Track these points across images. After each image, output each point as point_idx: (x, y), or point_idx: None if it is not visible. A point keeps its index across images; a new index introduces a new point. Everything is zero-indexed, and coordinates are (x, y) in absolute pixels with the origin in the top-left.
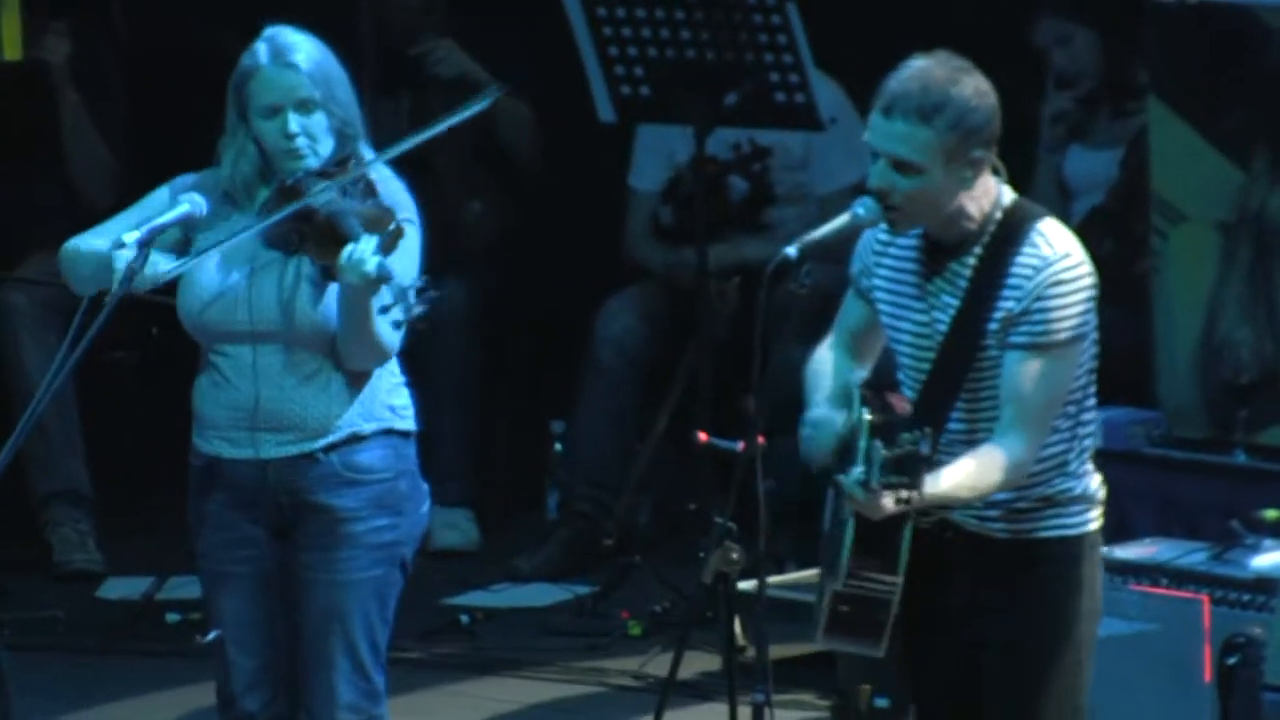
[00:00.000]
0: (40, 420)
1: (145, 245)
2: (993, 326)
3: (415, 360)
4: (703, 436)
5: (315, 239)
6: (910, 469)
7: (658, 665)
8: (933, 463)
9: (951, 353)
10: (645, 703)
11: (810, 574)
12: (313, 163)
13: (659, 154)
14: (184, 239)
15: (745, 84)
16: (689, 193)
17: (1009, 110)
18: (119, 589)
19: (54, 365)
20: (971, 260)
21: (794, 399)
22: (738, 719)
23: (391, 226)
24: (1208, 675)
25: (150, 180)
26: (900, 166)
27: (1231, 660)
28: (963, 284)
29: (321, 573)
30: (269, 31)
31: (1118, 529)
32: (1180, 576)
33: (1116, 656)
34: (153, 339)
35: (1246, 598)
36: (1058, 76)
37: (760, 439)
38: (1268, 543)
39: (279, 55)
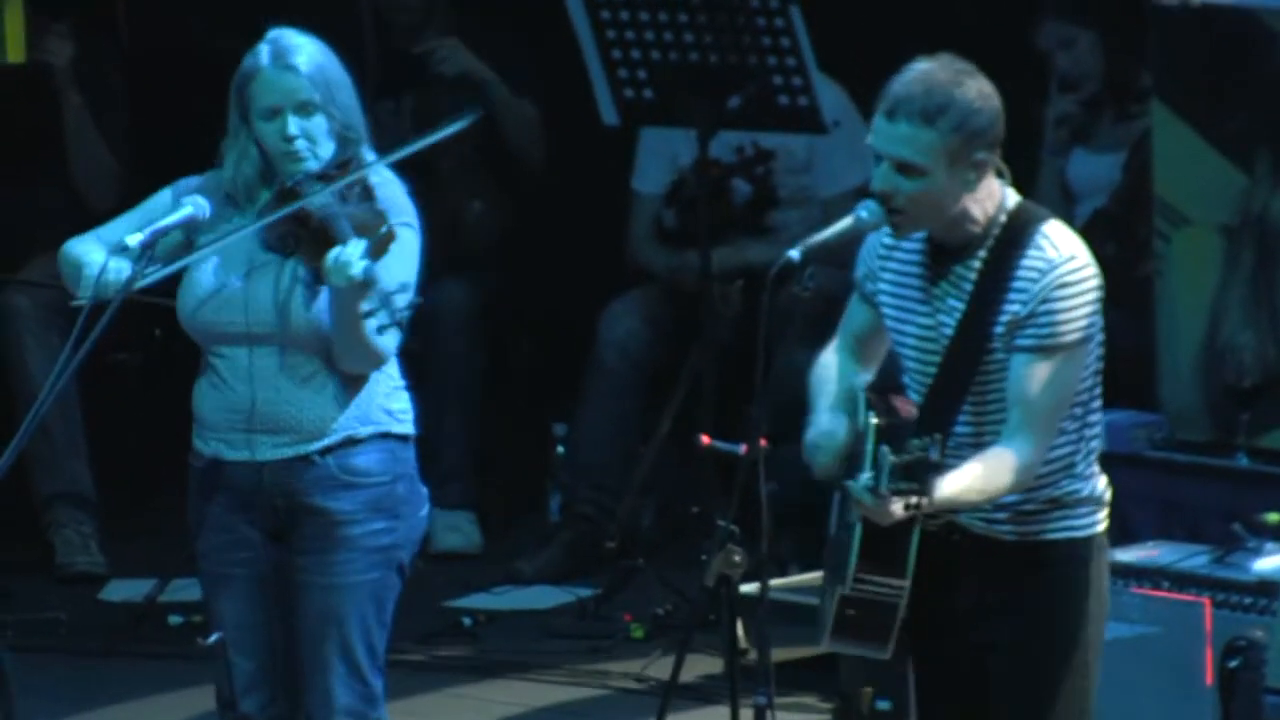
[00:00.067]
0: (43, 422)
1: (148, 247)
2: (999, 329)
3: (417, 362)
4: (705, 439)
5: (309, 242)
6: (919, 475)
7: (660, 668)
8: (942, 468)
9: (958, 356)
10: (647, 705)
11: (812, 577)
12: (313, 165)
13: (662, 157)
14: (186, 241)
15: (748, 87)
16: (692, 196)
17: (1012, 113)
18: (121, 591)
19: (57, 367)
20: (976, 263)
21: (797, 402)
22: None
23: (383, 230)
24: (1209, 678)
25: (152, 182)
26: (903, 169)
27: (1233, 663)
28: (968, 287)
29: (317, 576)
30: (272, 33)
31: (1120, 532)
32: (1182, 580)
33: (1118, 660)
34: (155, 341)
35: (1248, 601)
36: (1061, 79)
37: (763, 442)
38: (1269, 546)
39: (280, 57)
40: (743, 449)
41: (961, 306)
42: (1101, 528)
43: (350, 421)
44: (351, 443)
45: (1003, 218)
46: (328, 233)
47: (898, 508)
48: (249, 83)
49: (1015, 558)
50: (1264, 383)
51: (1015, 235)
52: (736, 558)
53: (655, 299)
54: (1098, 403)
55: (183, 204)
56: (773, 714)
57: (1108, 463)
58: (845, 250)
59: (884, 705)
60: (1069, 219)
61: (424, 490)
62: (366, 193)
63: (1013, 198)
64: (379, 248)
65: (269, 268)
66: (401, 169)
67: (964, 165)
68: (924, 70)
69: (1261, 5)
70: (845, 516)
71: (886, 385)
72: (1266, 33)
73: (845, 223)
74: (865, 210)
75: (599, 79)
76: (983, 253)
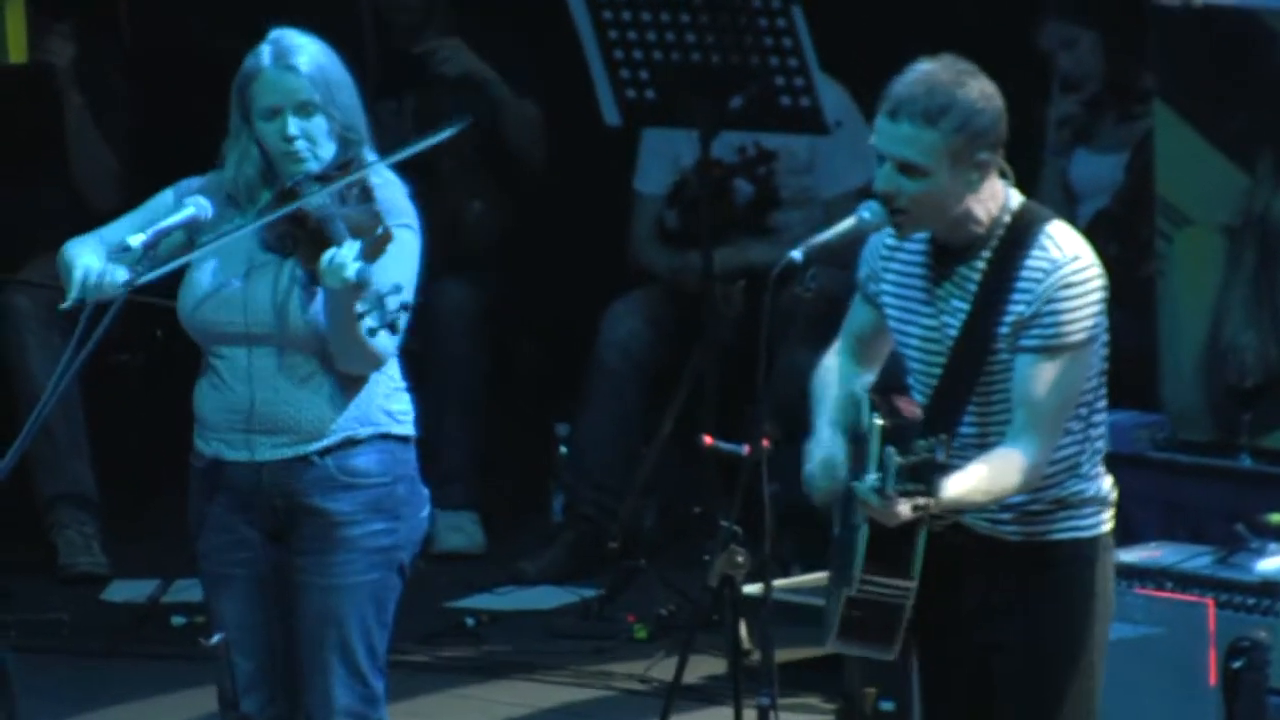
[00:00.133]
0: (46, 423)
1: (150, 248)
2: (1004, 330)
3: (419, 363)
4: (708, 440)
5: (305, 242)
6: (926, 476)
7: (663, 668)
8: (948, 469)
9: (962, 357)
10: (651, 706)
11: (815, 577)
12: (313, 166)
13: (664, 157)
14: (188, 242)
15: (750, 87)
16: (694, 196)
17: (1014, 114)
18: (124, 592)
19: (59, 368)
20: (980, 264)
21: (799, 403)
22: None
23: (379, 232)
24: (1213, 679)
25: (154, 183)
26: (906, 169)
27: (1236, 664)
28: (972, 288)
29: (317, 576)
30: (275, 34)
31: (1122, 532)
32: (1185, 580)
33: (1122, 661)
34: (157, 342)
35: (1251, 601)
36: (1063, 80)
37: (765, 442)
38: (1273, 546)
39: (281, 58)
40: (745, 449)
41: (966, 307)
42: (1107, 528)
43: (349, 422)
44: (351, 444)
45: (1006, 218)
46: (324, 234)
47: (904, 509)
48: (250, 83)
49: (1020, 558)
50: (1266, 383)
51: (1019, 235)
52: (739, 558)
53: (657, 299)
54: (1103, 403)
55: (185, 204)
56: (776, 715)
57: (1110, 463)
58: (847, 251)
59: (887, 706)
60: (1071, 219)
61: (425, 491)
62: (365, 194)
63: (1016, 198)
64: (374, 249)
65: (268, 268)
66: (402, 170)
67: (966, 165)
68: (926, 71)
69: (1263, 5)
70: (851, 518)
71: (890, 386)
72: (1268, 33)
73: (847, 223)
74: (867, 211)
75: (601, 79)
76: (987, 253)
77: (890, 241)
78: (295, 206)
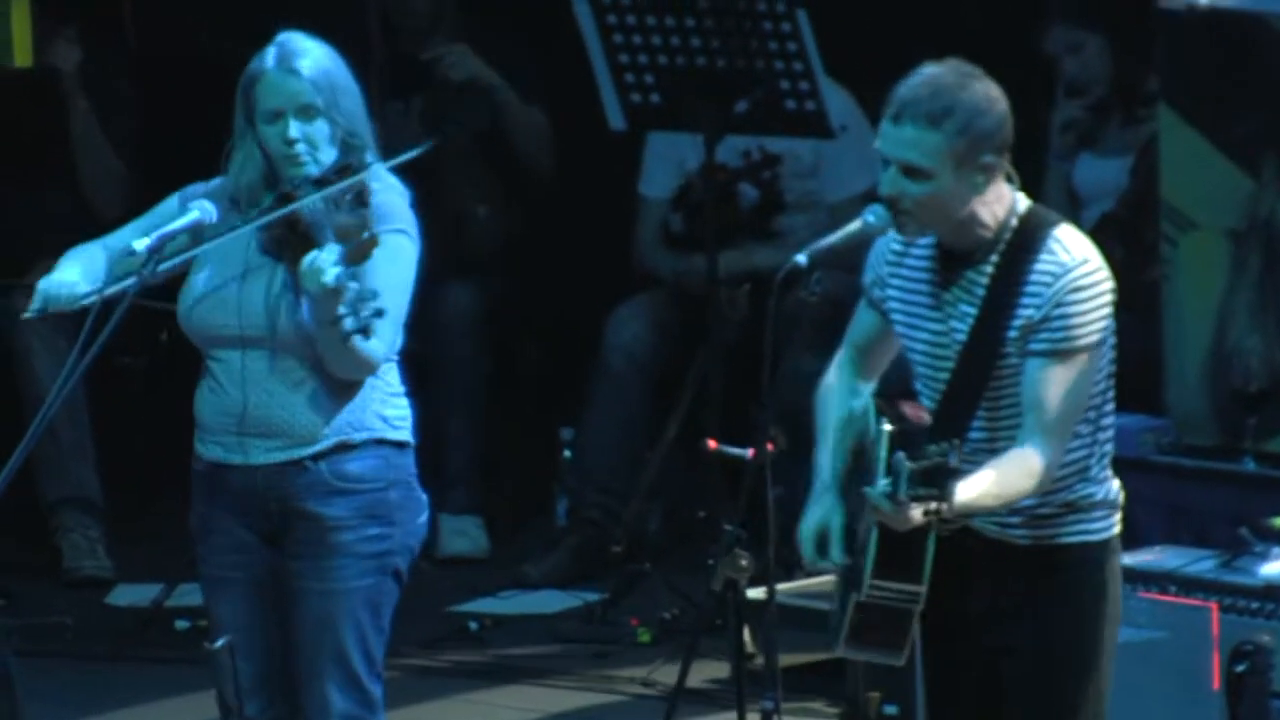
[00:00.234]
0: (51, 426)
1: (155, 252)
2: (1012, 334)
3: (424, 367)
4: (712, 444)
5: (295, 246)
6: (938, 481)
7: (666, 672)
8: (960, 474)
9: (971, 362)
10: (654, 710)
11: (820, 581)
12: (312, 170)
13: (669, 161)
14: (192, 246)
15: (755, 91)
16: (699, 200)
17: (1019, 118)
18: (128, 595)
19: (64, 371)
20: (988, 268)
21: (803, 407)
22: None
23: (365, 236)
24: (1216, 683)
25: (160, 187)
26: (910, 172)
27: (1240, 668)
28: (980, 292)
29: (312, 581)
30: (281, 37)
31: (1127, 536)
32: (1189, 584)
33: (1125, 664)
34: (161, 345)
35: (1255, 605)
36: (1068, 84)
37: (769, 446)
38: (1276, 550)
39: (285, 60)
40: (749, 453)
41: (973, 312)
42: (1115, 531)
43: (343, 427)
44: (345, 448)
45: (1014, 222)
46: (311, 238)
47: (916, 514)
48: (254, 85)
49: (1029, 562)
50: (1271, 387)
51: (1027, 239)
52: (743, 562)
53: (662, 303)
54: (1110, 406)
55: (189, 209)
56: (779, 719)
57: (1115, 467)
58: (852, 255)
59: (891, 710)
60: (1076, 224)
61: (423, 497)
62: (360, 199)
63: (1023, 202)
64: (357, 254)
65: (263, 271)
66: (407, 176)
67: (971, 168)
68: (930, 74)
69: (1269, 9)
70: (860, 522)
71: (896, 391)
72: (1273, 36)
73: (852, 227)
74: (872, 215)
75: (606, 84)
76: (994, 257)
77: (896, 247)
78: (288, 210)
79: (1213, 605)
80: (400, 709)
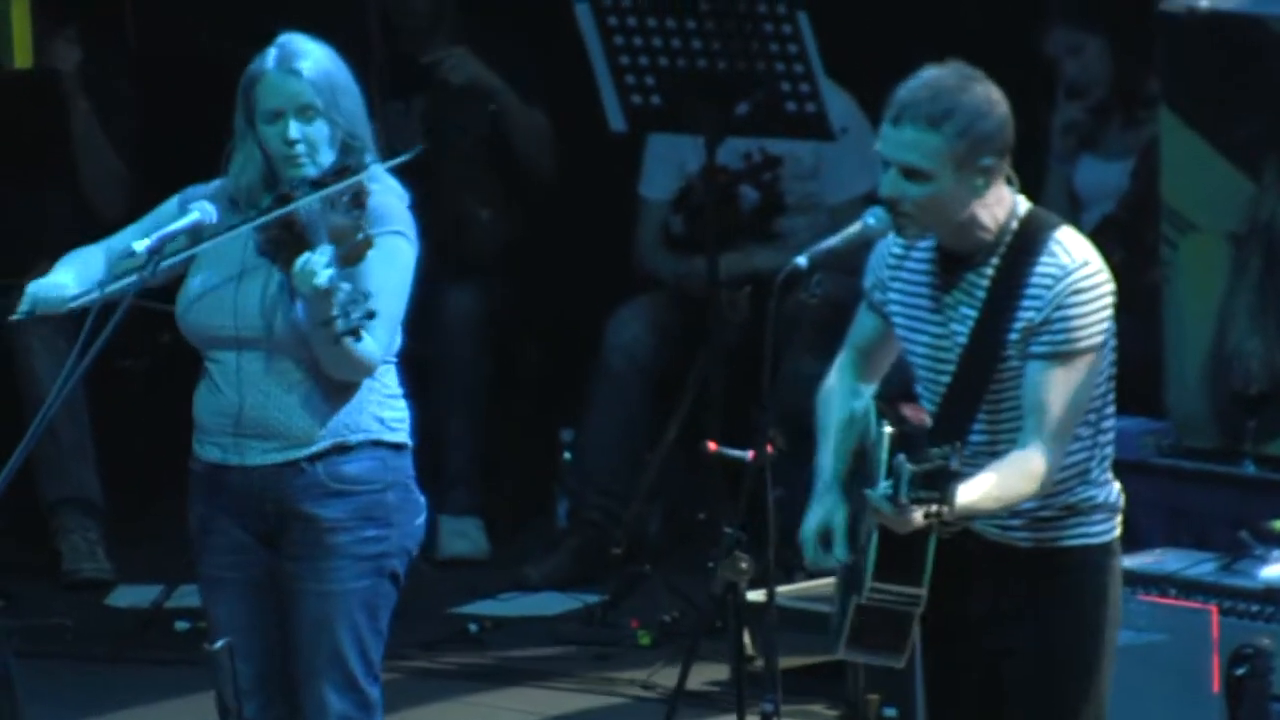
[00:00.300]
0: (51, 427)
1: (155, 253)
2: (1013, 337)
3: (424, 368)
4: (712, 445)
5: (290, 247)
6: (940, 484)
7: (666, 675)
8: (961, 477)
9: (971, 364)
10: (654, 712)
11: (819, 584)
12: (310, 171)
13: (670, 163)
14: (190, 247)
15: (756, 93)
16: (700, 202)
17: (1020, 120)
18: (128, 597)
19: (64, 372)
20: (989, 271)
21: (804, 409)
22: None
23: (359, 238)
24: (1216, 686)
25: (160, 187)
26: (910, 174)
27: (1240, 671)
28: (981, 295)
29: (310, 583)
30: (281, 38)
31: (1127, 539)
32: (1189, 587)
33: (1125, 667)
34: (162, 346)
35: (1255, 608)
36: (1069, 86)
37: (769, 448)
38: (1276, 553)
39: (285, 61)
40: (750, 455)
41: (974, 314)
42: (1116, 534)
43: (340, 429)
44: (341, 450)
45: (1014, 224)
46: (305, 239)
47: (917, 517)
48: (254, 85)
49: (1031, 564)
50: (1271, 390)
51: (1028, 242)
52: (743, 564)
53: (663, 305)
54: (1111, 409)
55: (190, 210)
56: None
57: (1115, 469)
58: (853, 257)
59: (891, 712)
60: (1077, 226)
61: (420, 499)
62: (357, 200)
63: (1024, 204)
64: (351, 255)
65: (259, 272)
66: (406, 177)
67: (971, 170)
68: (931, 76)
69: (1269, 12)
70: (861, 525)
71: (897, 393)
72: (1274, 39)
73: (853, 229)
74: (873, 217)
75: (607, 86)
76: (995, 260)
77: (897, 250)
78: (285, 211)
79: (1213, 608)
80: (400, 711)
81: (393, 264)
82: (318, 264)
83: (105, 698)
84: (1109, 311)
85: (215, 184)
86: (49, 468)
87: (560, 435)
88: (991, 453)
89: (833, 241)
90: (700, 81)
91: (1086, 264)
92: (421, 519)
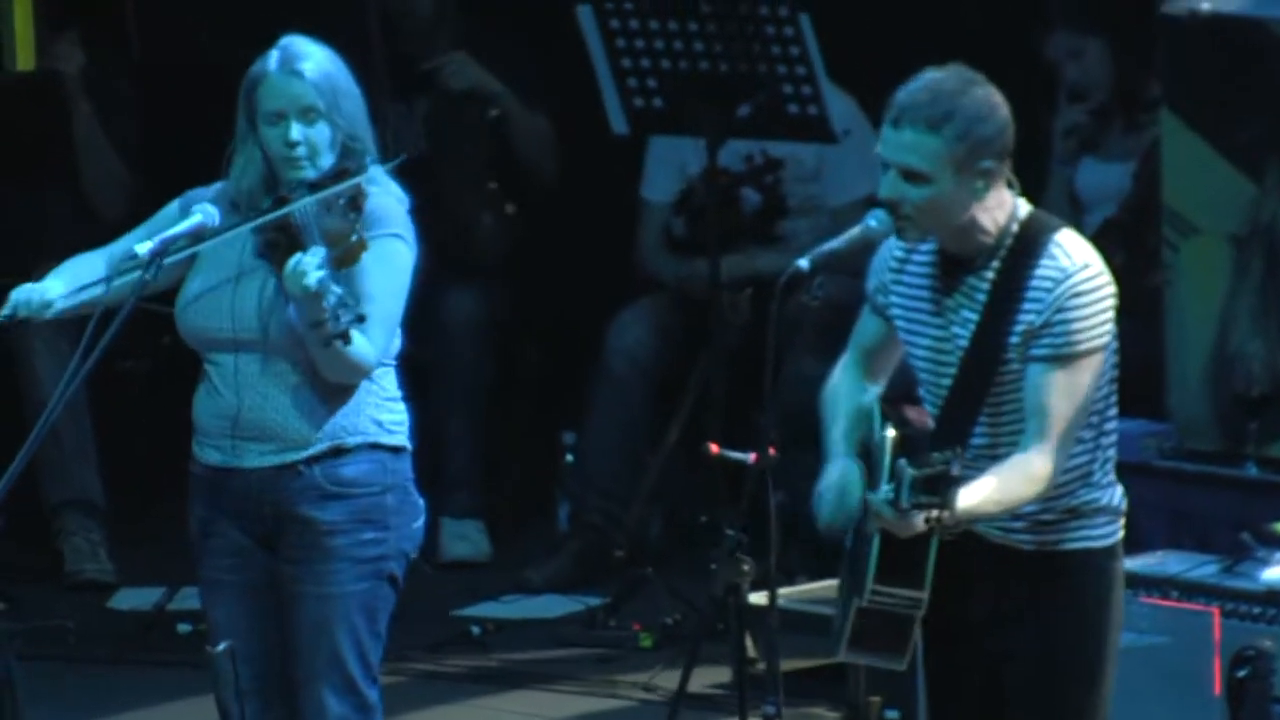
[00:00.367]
0: (53, 429)
1: (157, 255)
2: (1014, 340)
3: (426, 371)
4: (714, 448)
5: (285, 249)
6: (940, 488)
7: (668, 677)
8: (962, 482)
9: (972, 368)
10: (656, 714)
11: (821, 586)
12: (310, 174)
13: (671, 165)
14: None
15: (758, 96)
16: (701, 204)
17: (1021, 123)
18: (130, 599)
19: (67, 374)
20: (989, 274)
21: (805, 411)
22: None
23: (353, 240)
24: (1218, 688)
25: (162, 190)
26: (910, 176)
27: (1242, 673)
28: (981, 298)
29: (308, 585)
30: (283, 41)
31: (1128, 541)
32: (1191, 589)
33: (1127, 669)
34: (164, 348)
35: (1257, 610)
36: (1070, 89)
37: (771, 451)
38: (1278, 555)
39: (287, 63)
40: (751, 458)
41: (975, 317)
42: (1118, 538)
43: (337, 431)
44: (339, 453)
45: (1015, 227)
46: (300, 241)
47: (918, 521)
48: (256, 87)
49: (1032, 567)
50: (1273, 392)
51: (1028, 245)
52: (745, 567)
53: (664, 307)
54: (1113, 411)
55: (192, 213)
56: None
57: (1117, 472)
58: (855, 259)
59: (893, 715)
60: (1078, 229)
61: (419, 502)
62: (354, 203)
63: (1024, 207)
64: (345, 258)
65: (257, 274)
66: (408, 180)
67: (970, 173)
68: (931, 79)
69: (1271, 14)
70: (863, 528)
71: (900, 396)
72: (1275, 42)
73: (855, 232)
74: (875, 219)
75: (608, 88)
76: (995, 263)
77: (899, 253)
78: (282, 213)
79: (1214, 610)
80: (402, 713)
81: (389, 267)
82: (309, 266)
83: (107, 700)
84: (1110, 314)
85: (216, 187)
86: (51, 470)
87: (561, 438)
88: (993, 456)
89: (834, 244)
90: (702, 84)
91: (1087, 267)
92: (420, 522)
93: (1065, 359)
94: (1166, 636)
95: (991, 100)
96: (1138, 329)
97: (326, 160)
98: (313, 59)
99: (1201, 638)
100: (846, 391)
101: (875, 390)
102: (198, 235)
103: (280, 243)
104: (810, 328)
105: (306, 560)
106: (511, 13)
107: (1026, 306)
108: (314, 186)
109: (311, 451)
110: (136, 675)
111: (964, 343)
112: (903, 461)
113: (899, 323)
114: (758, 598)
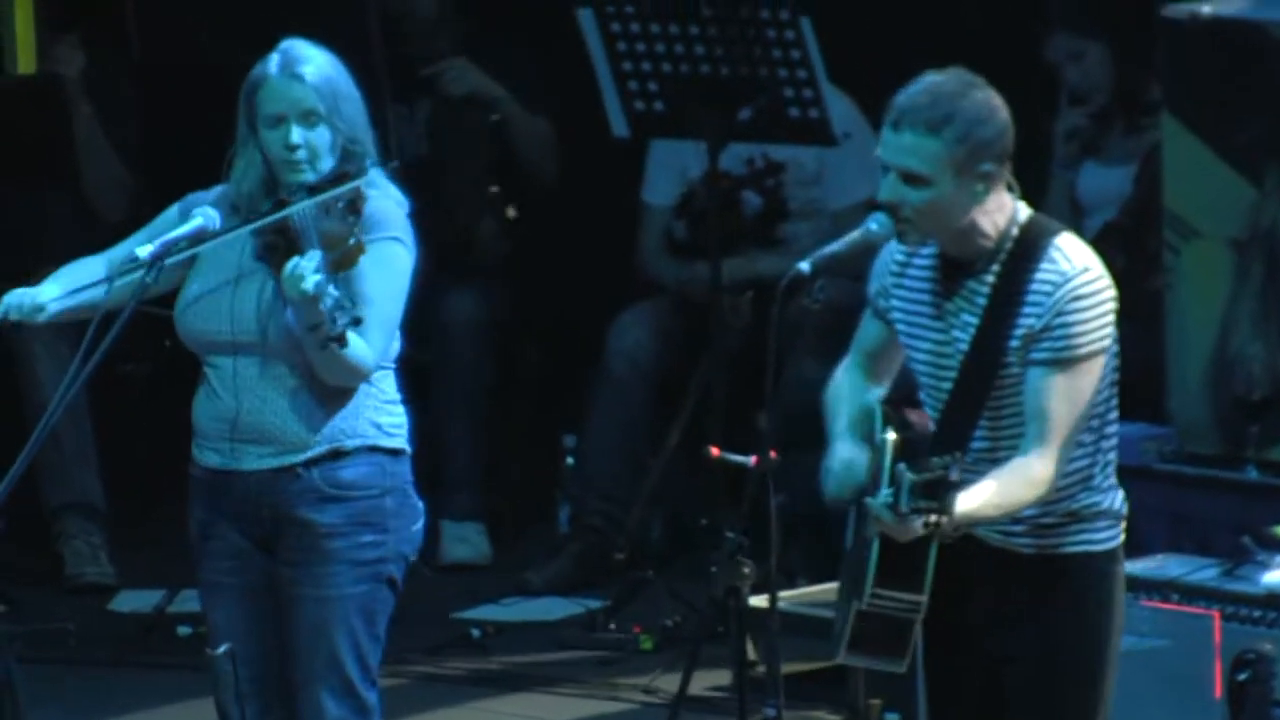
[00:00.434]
0: (54, 432)
1: (158, 259)
2: (1014, 344)
3: (426, 373)
4: (715, 451)
5: (282, 252)
6: (939, 494)
7: (668, 680)
8: (961, 487)
9: (973, 371)
10: (656, 717)
11: (822, 589)
12: (310, 177)
13: (672, 169)
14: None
15: (759, 99)
16: (702, 207)
17: (1021, 126)
18: (130, 602)
19: (67, 377)
20: (990, 278)
21: (806, 414)
22: None
23: (350, 243)
24: (1218, 691)
25: (163, 193)
26: (909, 179)
27: (1242, 676)
28: (982, 302)
29: (306, 588)
30: (284, 44)
31: (1129, 544)
32: (1191, 592)
33: (1127, 672)
34: (164, 351)
35: (1257, 614)
36: (1071, 93)
37: (772, 453)
38: (1279, 559)
39: (288, 66)
40: (752, 460)
41: (975, 321)
42: (1119, 542)
43: (335, 434)
44: (337, 455)
45: (1014, 231)
46: (298, 244)
47: (917, 526)
48: (256, 90)
49: (1032, 570)
50: (1273, 395)
51: (1028, 249)
52: (745, 570)
53: (665, 310)
54: (1114, 414)
55: (193, 216)
56: None
57: (1117, 475)
58: (855, 263)
59: (893, 717)
60: (1079, 232)
61: (419, 504)
62: (353, 206)
63: (1024, 211)
64: (343, 261)
65: (255, 277)
66: (409, 183)
67: (970, 176)
68: (931, 82)
69: (1271, 17)
70: (862, 531)
71: (902, 398)
72: (1276, 44)
73: (855, 235)
74: (875, 222)
75: (610, 91)
76: (995, 267)
77: (900, 257)
78: (280, 216)
79: (1215, 613)
80: (402, 716)
81: (388, 270)
82: (306, 269)
83: (107, 703)
84: (1110, 318)
85: (216, 190)
86: (51, 473)
87: (562, 440)
88: (993, 459)
89: (835, 246)
90: (703, 87)
91: (1087, 270)
92: (419, 524)
93: (1065, 363)
94: (1167, 640)
95: (991, 103)
96: (1138, 332)
97: (327, 163)
98: (313, 62)
99: (1202, 641)
100: (850, 391)
101: (878, 392)
102: (198, 239)
103: (279, 245)
104: (811, 331)
105: (305, 563)
106: (512, 15)
107: (1026, 310)
108: (313, 190)
109: (310, 454)
110: (137, 678)
111: (964, 346)
112: (902, 466)
113: (900, 326)
114: (758, 600)
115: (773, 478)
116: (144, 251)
